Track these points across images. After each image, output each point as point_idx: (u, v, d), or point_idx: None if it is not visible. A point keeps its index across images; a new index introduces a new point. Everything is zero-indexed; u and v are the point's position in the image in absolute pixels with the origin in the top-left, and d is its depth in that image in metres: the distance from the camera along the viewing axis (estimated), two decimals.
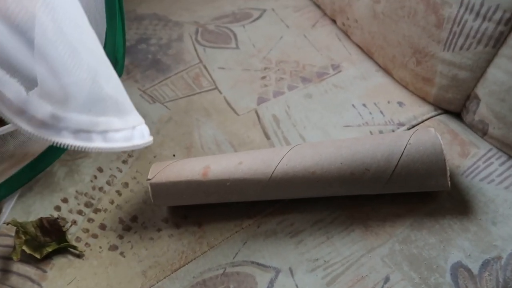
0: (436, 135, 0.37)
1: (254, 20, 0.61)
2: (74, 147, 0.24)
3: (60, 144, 0.24)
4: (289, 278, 0.36)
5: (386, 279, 0.35)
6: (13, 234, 0.40)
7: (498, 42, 0.38)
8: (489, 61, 0.40)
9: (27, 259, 0.39)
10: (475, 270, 0.35)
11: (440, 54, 0.42)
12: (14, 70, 0.24)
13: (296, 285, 0.35)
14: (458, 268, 0.35)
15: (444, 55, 0.42)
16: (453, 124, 0.45)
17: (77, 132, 0.25)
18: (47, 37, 0.24)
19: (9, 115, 0.24)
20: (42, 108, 0.24)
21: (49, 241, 0.40)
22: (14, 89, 0.24)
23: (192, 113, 0.50)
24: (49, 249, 0.39)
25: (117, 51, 0.45)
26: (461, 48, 0.40)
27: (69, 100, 0.24)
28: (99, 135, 0.25)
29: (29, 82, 0.26)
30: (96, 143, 0.25)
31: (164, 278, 0.37)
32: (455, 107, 0.46)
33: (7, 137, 0.39)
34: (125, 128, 0.27)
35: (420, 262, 0.35)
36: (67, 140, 0.24)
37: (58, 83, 0.24)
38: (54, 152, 0.44)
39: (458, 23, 0.39)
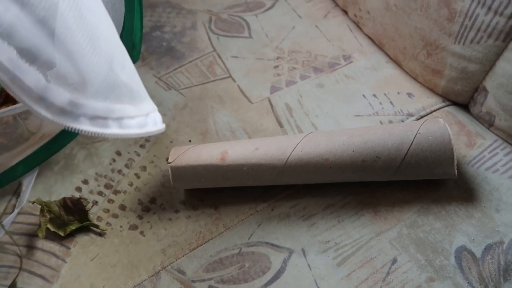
0: (445, 126, 0.38)
1: (266, 10, 0.62)
2: (91, 133, 0.26)
3: (77, 130, 0.25)
4: (301, 258, 0.38)
5: (394, 261, 0.37)
6: (36, 212, 0.42)
7: (508, 36, 0.39)
8: (498, 55, 0.41)
9: (51, 237, 0.41)
10: (478, 254, 0.37)
11: (450, 47, 0.44)
12: (33, 58, 0.25)
13: (309, 265, 0.37)
14: (462, 252, 0.37)
15: (454, 48, 0.43)
16: (460, 115, 0.47)
17: (94, 118, 0.26)
18: (67, 25, 0.25)
19: (29, 102, 0.24)
20: (61, 95, 0.25)
21: (72, 219, 0.42)
22: (33, 76, 0.25)
23: (206, 100, 0.52)
24: (73, 227, 0.41)
25: (134, 35, 0.47)
26: (471, 41, 0.42)
27: (86, 87, 0.26)
28: (115, 121, 0.27)
29: (48, 70, 0.27)
30: (112, 129, 0.26)
31: (183, 256, 0.39)
32: (463, 99, 0.47)
33: (23, 119, 0.40)
34: (139, 115, 0.28)
35: (426, 246, 0.37)
36: (84, 126, 0.25)
37: (76, 71, 0.25)
38: (69, 134, 0.46)
39: (470, 17, 0.41)
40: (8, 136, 0.44)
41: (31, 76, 0.24)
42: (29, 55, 0.25)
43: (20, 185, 0.46)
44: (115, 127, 0.26)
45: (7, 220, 0.42)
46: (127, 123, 0.27)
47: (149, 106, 0.30)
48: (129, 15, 0.44)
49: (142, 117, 0.28)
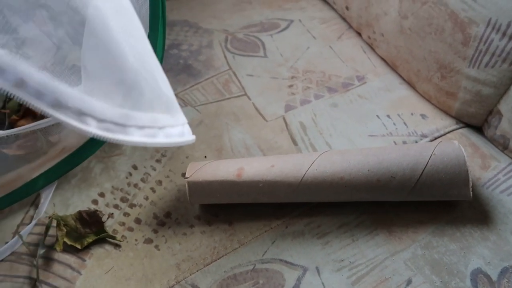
0: (460, 147, 0.39)
1: (281, 30, 0.64)
2: (140, 143, 0.26)
3: (127, 142, 0.26)
4: (315, 277, 0.38)
5: (409, 282, 0.37)
6: (53, 224, 0.43)
7: None
8: None
9: (67, 248, 0.42)
10: (494, 277, 0.36)
11: (465, 70, 0.44)
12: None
13: (323, 283, 0.37)
14: (478, 274, 0.37)
15: (469, 71, 0.44)
16: (474, 138, 0.47)
17: (143, 129, 0.27)
18: (117, 41, 0.27)
19: (76, 124, 0.25)
20: (109, 109, 0.26)
21: (88, 232, 0.43)
22: (75, 95, 0.25)
23: (222, 117, 0.53)
24: (89, 240, 0.42)
25: (157, 54, 0.48)
26: (486, 65, 0.42)
27: (135, 98, 0.27)
28: (160, 131, 0.27)
29: (94, 83, 0.28)
30: (159, 139, 0.27)
31: (197, 271, 0.40)
32: (477, 121, 0.48)
33: (43, 133, 0.41)
34: (177, 124, 0.29)
35: (441, 267, 0.37)
36: (135, 138, 0.26)
37: (125, 83, 0.26)
38: (90, 148, 0.47)
39: (485, 42, 0.41)
40: (28, 148, 0.45)
41: (73, 95, 0.25)
42: (67, 71, 0.26)
43: (38, 196, 0.46)
44: (161, 136, 0.27)
45: (25, 231, 0.43)
46: (170, 132, 0.28)
47: (183, 116, 0.31)
48: (152, 34, 0.45)
49: (179, 126, 0.29)
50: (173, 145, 0.28)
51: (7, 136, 0.38)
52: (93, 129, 0.25)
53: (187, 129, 0.30)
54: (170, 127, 0.28)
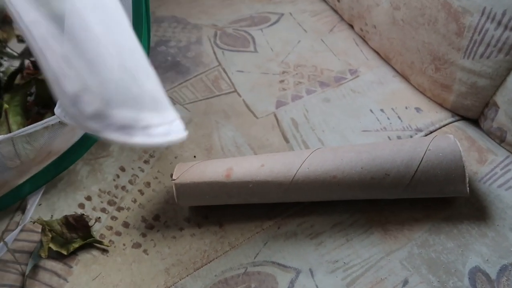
0: (455, 142, 0.38)
1: (272, 24, 0.62)
2: (118, 142, 0.25)
3: (105, 139, 0.25)
4: (309, 279, 0.37)
5: (405, 282, 0.36)
6: (39, 230, 0.42)
7: None
8: (509, 70, 0.40)
9: (53, 255, 0.41)
10: (493, 275, 0.35)
11: (459, 61, 0.43)
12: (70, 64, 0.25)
13: (316, 286, 0.36)
14: (476, 273, 0.35)
15: (463, 62, 0.43)
16: (470, 131, 0.46)
17: (121, 127, 0.25)
18: (94, 35, 0.25)
19: (64, 104, 0.24)
20: (90, 104, 0.25)
21: (75, 237, 0.41)
22: (71, 82, 0.25)
23: (211, 115, 0.51)
24: (76, 245, 0.41)
25: None
26: (481, 56, 0.41)
27: (114, 96, 0.25)
28: (141, 130, 0.26)
29: (71, 78, 0.27)
30: (139, 138, 0.26)
31: (187, 276, 0.38)
32: (473, 114, 0.46)
33: (33, 136, 0.40)
34: (164, 123, 0.28)
35: (438, 266, 0.36)
36: (112, 135, 0.25)
37: (103, 80, 0.25)
38: (77, 151, 0.45)
39: (479, 32, 0.40)
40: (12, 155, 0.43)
41: (69, 81, 0.24)
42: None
43: (23, 201, 0.45)
44: (141, 135, 0.26)
45: (10, 238, 0.42)
46: (153, 131, 0.27)
47: (173, 113, 0.30)
48: (136, 32, 0.44)
49: (166, 125, 0.28)
50: (158, 145, 0.27)
51: None
52: (72, 120, 0.24)
53: (175, 127, 0.28)
54: (154, 126, 0.27)
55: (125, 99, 0.26)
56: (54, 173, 0.46)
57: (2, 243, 0.41)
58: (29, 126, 0.37)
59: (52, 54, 0.25)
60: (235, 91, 0.54)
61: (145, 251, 0.41)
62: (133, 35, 0.31)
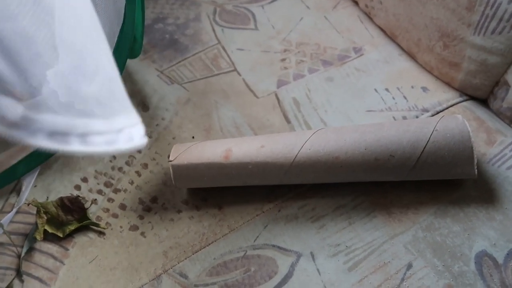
0: (464, 122, 0.36)
1: (273, 1, 0.60)
2: (49, 149, 0.23)
3: (35, 146, 0.22)
4: (310, 263, 0.36)
5: (409, 266, 0.35)
6: (34, 212, 0.41)
7: None
8: None
9: (49, 237, 0.40)
10: (500, 259, 0.34)
11: (469, 38, 0.41)
12: None
13: (318, 270, 0.35)
14: (482, 257, 0.34)
15: (474, 39, 0.41)
16: (479, 111, 0.44)
17: (53, 134, 0.23)
18: (23, 22, 0.22)
19: None
20: (12, 108, 0.22)
21: (71, 219, 0.40)
22: None
23: (210, 95, 0.50)
24: (72, 227, 0.40)
25: (136, 29, 0.44)
26: (493, 32, 0.39)
27: (44, 100, 0.23)
28: (77, 138, 0.24)
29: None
30: (73, 146, 0.24)
31: (185, 259, 0.37)
32: (482, 93, 0.44)
33: None
34: (108, 131, 0.25)
35: (443, 250, 0.35)
36: (41, 142, 0.22)
37: (31, 83, 0.22)
38: None
39: (491, 6, 0.38)
40: None
41: None
42: None
43: (18, 182, 0.44)
44: (77, 143, 0.23)
45: (5, 219, 0.41)
46: (92, 139, 0.24)
47: (125, 120, 0.26)
48: (130, 7, 0.41)
49: (112, 133, 0.25)
50: (100, 154, 0.25)
51: None
52: None
53: (126, 135, 0.26)
54: (95, 134, 0.24)
55: (58, 103, 0.23)
56: (48, 153, 0.44)
57: None
58: None
59: None
60: (235, 70, 0.52)
61: (142, 233, 0.40)
62: (89, 16, 0.28)
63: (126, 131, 0.26)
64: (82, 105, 0.24)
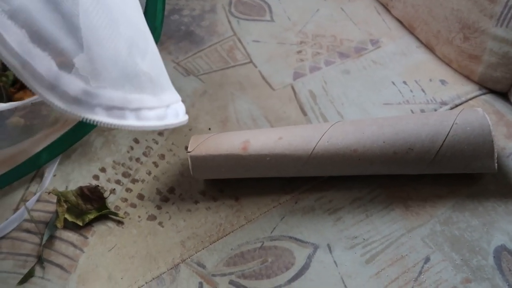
0: (484, 115, 0.36)
1: None
2: (107, 124, 0.24)
3: (93, 121, 0.23)
4: (327, 254, 0.36)
5: (427, 259, 0.35)
6: (54, 201, 0.42)
7: None
8: None
9: (69, 226, 0.41)
10: None
11: (491, 29, 0.40)
12: (45, 43, 0.23)
13: (335, 262, 0.36)
14: (501, 252, 0.34)
15: (496, 31, 0.40)
16: (498, 104, 0.44)
17: (110, 109, 0.24)
18: (83, 8, 0.23)
19: (40, 90, 0.23)
20: (74, 84, 0.23)
21: (90, 208, 0.41)
22: (45, 63, 0.23)
23: (226, 86, 0.50)
24: (91, 216, 0.40)
25: (156, 17, 0.45)
26: None
27: (102, 75, 0.24)
28: (132, 112, 0.25)
29: (60, 56, 0.25)
30: (129, 121, 0.24)
31: (203, 249, 0.38)
32: (502, 86, 0.44)
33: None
34: (159, 106, 0.26)
35: (462, 244, 0.35)
36: (100, 117, 0.23)
37: (91, 58, 0.23)
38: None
39: None
40: (31, 119, 0.43)
41: (42, 62, 0.22)
42: (41, 40, 0.23)
43: (37, 172, 0.45)
44: (132, 118, 0.25)
45: (29, 203, 0.42)
46: (145, 114, 0.25)
47: (171, 96, 0.28)
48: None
49: (162, 108, 0.26)
50: (150, 129, 0.26)
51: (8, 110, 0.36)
52: (55, 100, 0.22)
53: (173, 110, 0.27)
54: (148, 109, 0.25)
55: (116, 79, 0.24)
56: (71, 142, 0.45)
57: (23, 207, 0.41)
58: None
59: (16, 33, 0.23)
60: (251, 61, 0.52)
61: (160, 223, 0.40)
62: (135, 6, 0.29)
63: (172, 107, 0.27)
64: (136, 80, 0.25)
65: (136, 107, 0.25)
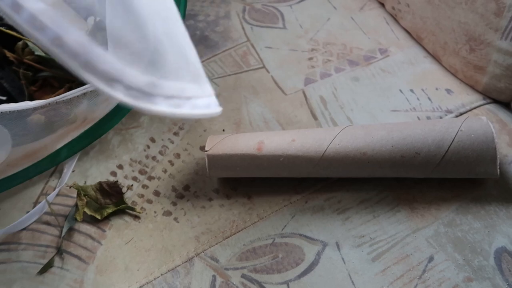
0: (488, 123, 0.37)
1: (301, 1, 0.61)
2: (165, 114, 0.25)
3: (154, 112, 0.24)
4: (335, 252, 0.38)
5: (430, 259, 0.36)
6: (74, 195, 0.43)
7: None
8: None
9: (87, 219, 0.42)
10: None
11: (496, 42, 0.42)
12: (105, 40, 0.25)
13: (343, 259, 0.37)
14: (502, 253, 0.36)
15: (501, 43, 0.42)
16: (501, 114, 0.46)
17: (169, 98, 0.25)
18: (143, 5, 0.25)
19: (104, 88, 0.24)
20: (137, 77, 0.25)
21: (108, 203, 0.43)
22: (107, 59, 0.24)
23: (240, 90, 0.52)
24: (109, 211, 0.42)
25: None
26: None
27: (162, 66, 0.25)
28: (187, 101, 0.26)
29: (124, 49, 0.27)
30: (185, 109, 0.26)
31: (216, 244, 0.40)
32: (506, 97, 0.46)
33: (72, 102, 0.41)
34: (204, 95, 0.28)
35: (464, 245, 0.37)
36: (161, 107, 0.25)
37: (151, 50, 0.25)
38: (113, 118, 0.46)
39: None
40: (51, 117, 0.44)
41: (105, 59, 0.24)
42: (102, 37, 0.24)
43: (56, 168, 0.47)
44: (187, 107, 0.26)
45: (50, 197, 0.43)
46: (196, 103, 0.26)
47: (210, 87, 0.29)
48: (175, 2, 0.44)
49: (206, 97, 0.28)
50: (199, 117, 0.27)
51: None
52: (119, 94, 0.24)
53: (213, 100, 0.29)
54: (197, 98, 0.27)
55: (173, 69, 0.26)
56: (90, 139, 0.46)
57: (44, 201, 0.43)
58: (69, 92, 0.38)
59: (75, 34, 0.24)
60: (264, 67, 0.54)
61: (175, 219, 0.42)
62: (173, 6, 0.31)
63: (212, 97, 0.28)
64: (187, 71, 0.26)
65: (188, 95, 0.26)
